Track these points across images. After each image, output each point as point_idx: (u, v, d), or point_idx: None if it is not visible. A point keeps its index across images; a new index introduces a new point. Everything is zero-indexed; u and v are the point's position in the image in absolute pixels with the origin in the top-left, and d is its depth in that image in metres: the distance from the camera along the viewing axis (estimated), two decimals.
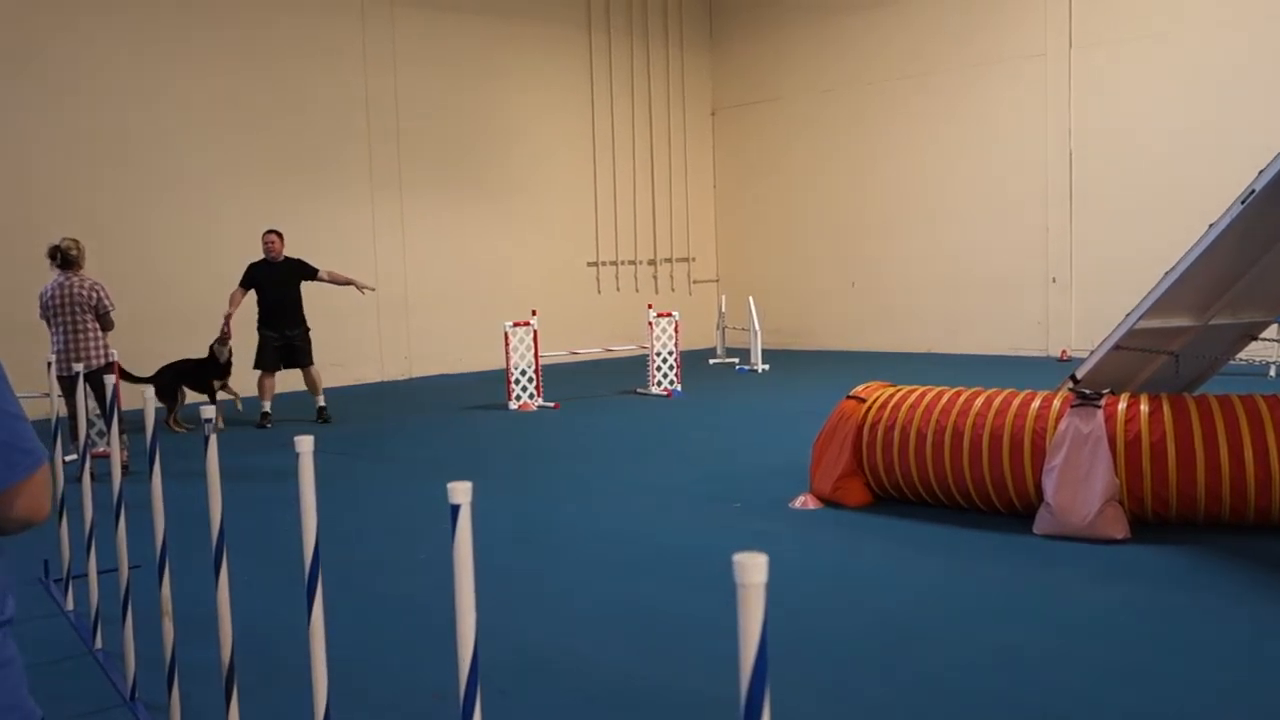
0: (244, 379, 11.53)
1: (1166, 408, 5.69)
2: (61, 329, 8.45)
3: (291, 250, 11.40)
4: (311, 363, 11.26)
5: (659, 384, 12.78)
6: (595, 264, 18.20)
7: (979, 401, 6.21)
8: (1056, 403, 5.96)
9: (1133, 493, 5.68)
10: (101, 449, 8.55)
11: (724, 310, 16.97)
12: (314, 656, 2.62)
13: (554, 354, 13.86)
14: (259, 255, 11.28)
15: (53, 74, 12.53)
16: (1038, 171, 15.48)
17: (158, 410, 11.00)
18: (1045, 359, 15.00)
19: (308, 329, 11.23)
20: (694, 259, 19.63)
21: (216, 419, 10.10)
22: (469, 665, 1.88)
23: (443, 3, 16.03)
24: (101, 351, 8.54)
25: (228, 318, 11.04)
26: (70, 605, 5.13)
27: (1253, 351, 10.14)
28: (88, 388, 8.27)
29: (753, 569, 1.11)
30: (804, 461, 7.14)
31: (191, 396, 11.21)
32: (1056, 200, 15.32)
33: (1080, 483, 5.67)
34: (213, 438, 3.11)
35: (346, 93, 15.01)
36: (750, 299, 15.69)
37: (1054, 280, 15.42)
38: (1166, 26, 14.11)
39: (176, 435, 10.47)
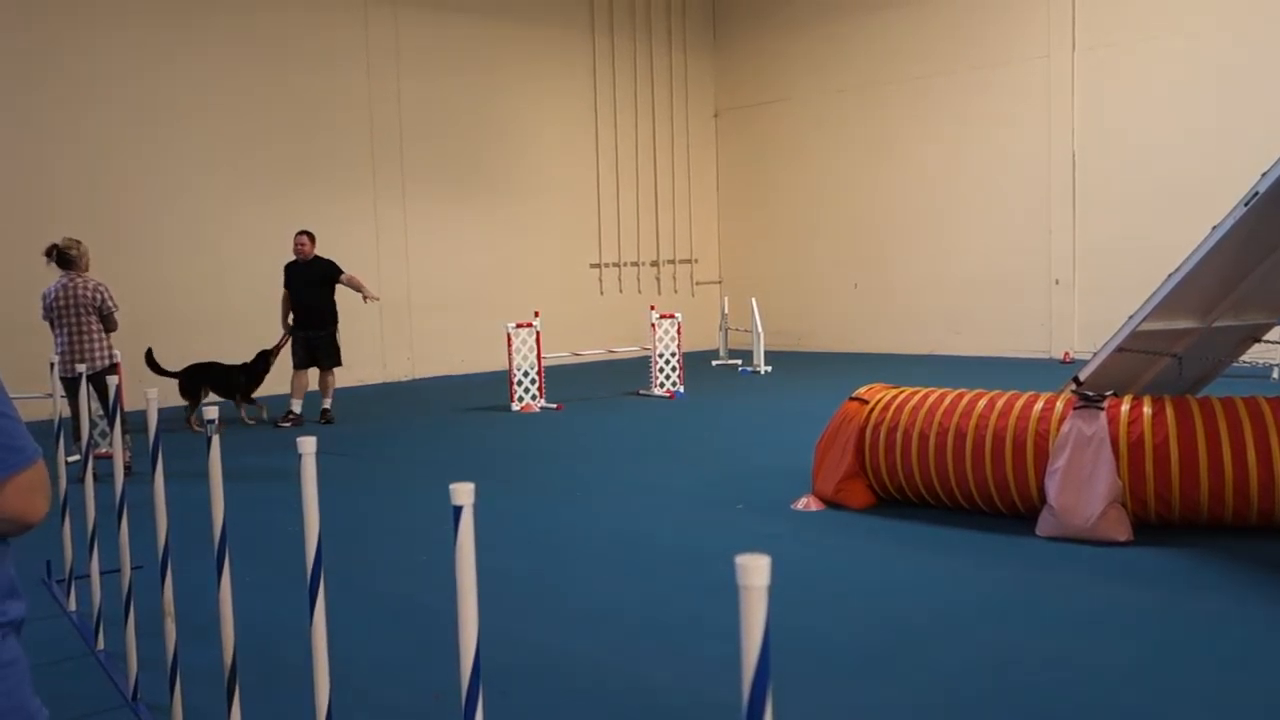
0: (272, 384, 11.66)
1: (1169, 410, 5.69)
2: (65, 330, 8.46)
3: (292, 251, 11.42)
4: (329, 366, 11.28)
5: (661, 385, 12.78)
6: (598, 265, 18.20)
7: (982, 403, 6.20)
8: (1059, 404, 5.95)
9: (1135, 495, 5.67)
10: (104, 450, 8.55)
11: (726, 312, 16.96)
12: (316, 657, 2.62)
13: (557, 355, 13.86)
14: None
15: (63, 81, 12.56)
16: (1041, 173, 15.47)
17: (174, 410, 10.99)
18: (1048, 361, 14.98)
19: (332, 332, 11.27)
20: (697, 260, 19.63)
21: (259, 412, 9.74)
22: (470, 666, 1.88)
23: (446, 6, 16.04)
24: (105, 353, 8.55)
25: (284, 324, 11.33)
26: (72, 606, 5.13)
27: (1256, 353, 10.12)
28: (90, 389, 8.27)
29: (755, 571, 1.11)
30: (806, 463, 7.14)
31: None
32: (1060, 202, 15.31)
33: (1083, 485, 5.66)
34: (215, 439, 3.11)
35: (350, 96, 15.02)
36: (753, 300, 15.69)
37: (1057, 282, 15.41)
38: (1169, 28, 14.10)
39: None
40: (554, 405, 11.98)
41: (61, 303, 8.45)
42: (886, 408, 6.58)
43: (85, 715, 3.92)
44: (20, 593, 1.93)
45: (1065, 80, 15.12)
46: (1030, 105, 15.50)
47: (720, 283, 19.78)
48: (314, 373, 11.36)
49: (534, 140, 17.21)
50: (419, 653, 4.41)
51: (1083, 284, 15.12)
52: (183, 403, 10.96)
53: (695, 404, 12.04)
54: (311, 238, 11.33)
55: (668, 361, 12.83)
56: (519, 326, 12.10)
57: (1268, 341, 7.91)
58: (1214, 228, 5.78)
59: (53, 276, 8.76)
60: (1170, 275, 6.05)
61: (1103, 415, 5.71)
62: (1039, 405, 6.01)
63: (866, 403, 6.72)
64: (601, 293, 18.20)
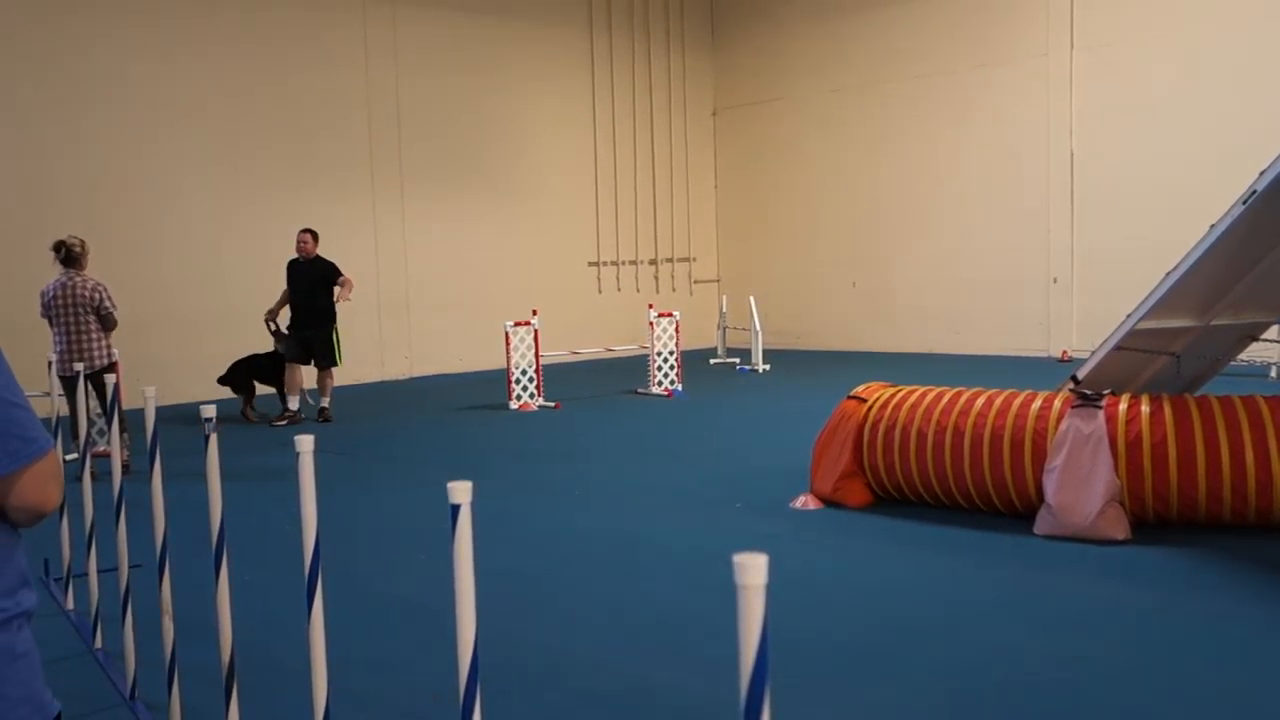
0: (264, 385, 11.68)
1: (1167, 408, 5.69)
2: (63, 329, 8.45)
3: (293, 249, 11.39)
4: (325, 366, 11.22)
5: (660, 384, 12.78)
6: (596, 264, 18.20)
7: (980, 402, 6.20)
8: (1057, 403, 5.96)
9: (1134, 493, 5.67)
10: (102, 448, 8.55)
11: (725, 310, 16.96)
12: (314, 656, 2.62)
13: (555, 354, 13.86)
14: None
15: (62, 80, 12.54)
16: (1039, 172, 15.47)
17: (171, 408, 11.00)
18: (1046, 359, 14.99)
19: (329, 331, 11.17)
20: (695, 259, 19.63)
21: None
22: (469, 666, 1.88)
23: (445, 5, 16.03)
24: (103, 351, 8.54)
25: (268, 316, 11.23)
26: (70, 604, 5.13)
27: (1254, 352, 10.14)
28: (89, 387, 8.27)
29: (753, 570, 1.11)
30: (805, 462, 7.14)
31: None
32: (1058, 200, 15.32)
33: (1081, 483, 5.67)
34: (213, 437, 3.11)
35: (348, 94, 15.01)
36: (751, 299, 15.69)
37: (1055, 280, 15.41)
38: (1168, 27, 14.10)
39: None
40: (552, 404, 11.98)
41: (60, 301, 8.44)
42: (885, 406, 6.58)
43: (84, 714, 3.92)
44: (32, 583, 1.95)
45: (1064, 79, 15.12)
46: (1029, 104, 15.50)
47: (718, 281, 19.78)
48: (310, 371, 11.34)
49: (532, 139, 17.20)
50: (417, 652, 4.41)
51: (1081, 283, 15.13)
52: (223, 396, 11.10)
53: (693, 403, 12.04)
54: (315, 236, 11.27)
55: (666, 360, 12.83)
56: (517, 325, 12.10)
57: (1265, 340, 7.92)
58: (1212, 226, 5.78)
59: (51, 274, 8.73)
60: (1168, 274, 6.05)
61: (1101, 414, 5.72)
62: (1037, 404, 6.02)
63: (865, 401, 6.72)
64: (600, 291, 18.20)
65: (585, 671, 4.17)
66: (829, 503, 6.68)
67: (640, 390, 13.00)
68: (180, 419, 10.92)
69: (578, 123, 17.87)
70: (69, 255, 8.52)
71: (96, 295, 8.45)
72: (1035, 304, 15.60)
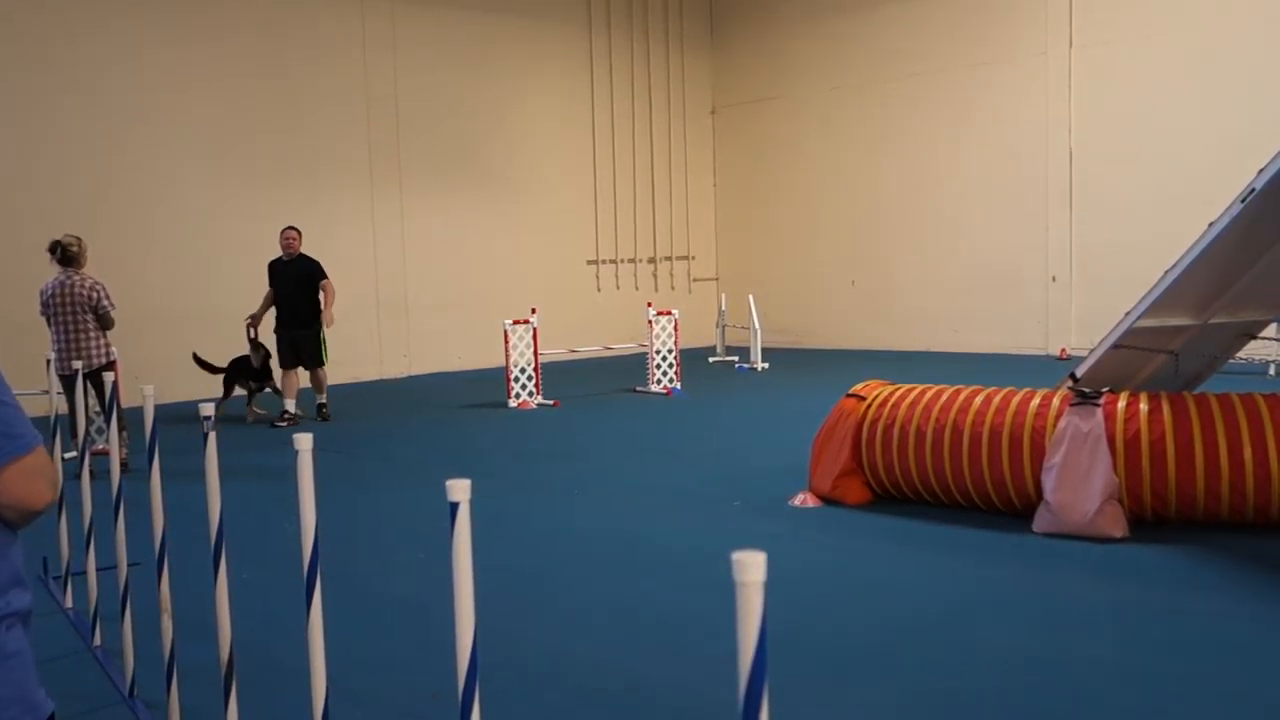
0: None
1: (1166, 406, 5.69)
2: (61, 327, 8.45)
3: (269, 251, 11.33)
4: (318, 365, 11.09)
5: (659, 382, 12.78)
6: (595, 262, 18.20)
7: (978, 400, 6.21)
8: (1056, 401, 5.96)
9: (1132, 491, 5.68)
10: (101, 446, 8.54)
11: (724, 308, 16.97)
12: (312, 655, 2.61)
13: (553, 352, 13.85)
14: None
15: (56, 73, 12.52)
16: (1038, 170, 15.47)
17: (170, 406, 10.95)
18: (1045, 357, 14.99)
19: (316, 330, 11.01)
20: (694, 257, 19.63)
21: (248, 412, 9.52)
22: (467, 664, 1.88)
23: (443, 1, 16.02)
24: (101, 350, 8.53)
25: (250, 321, 11.06)
26: (69, 603, 5.13)
27: (1252, 350, 10.15)
28: (88, 385, 8.27)
29: (751, 567, 1.11)
30: (803, 460, 7.14)
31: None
32: (1057, 198, 15.32)
33: (1080, 481, 5.67)
34: (211, 435, 3.11)
35: (346, 91, 15.00)
36: (750, 297, 15.69)
37: (1054, 279, 15.42)
38: (1166, 25, 14.10)
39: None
40: (551, 402, 11.98)
41: (58, 300, 8.43)
42: (883, 404, 6.58)
43: (82, 712, 3.92)
44: (26, 583, 1.94)
45: (1063, 77, 15.11)
46: (1028, 102, 15.50)
47: (717, 280, 19.78)
48: (304, 371, 11.28)
49: (531, 136, 17.20)
50: (416, 651, 4.41)
51: (1079, 281, 15.14)
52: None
53: (692, 401, 12.04)
54: (299, 233, 11.11)
55: (665, 359, 12.83)
56: (516, 323, 12.10)
57: (1264, 338, 7.93)
58: (1210, 224, 5.78)
59: (48, 273, 8.73)
60: (1167, 272, 6.05)
61: (1099, 412, 5.72)
62: (1035, 402, 6.02)
63: (863, 399, 6.72)
64: (599, 289, 18.20)
65: (584, 670, 4.17)
66: (828, 501, 6.69)
67: (639, 389, 13.00)
68: (180, 418, 10.92)
69: (576, 121, 17.87)
70: (66, 255, 8.51)
71: (94, 294, 8.44)
72: (1034, 302, 15.61)
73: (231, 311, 13.46)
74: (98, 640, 4.55)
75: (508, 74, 16.81)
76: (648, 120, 18.81)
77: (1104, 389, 5.94)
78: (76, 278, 8.47)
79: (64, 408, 7.70)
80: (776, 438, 9.16)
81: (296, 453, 2.46)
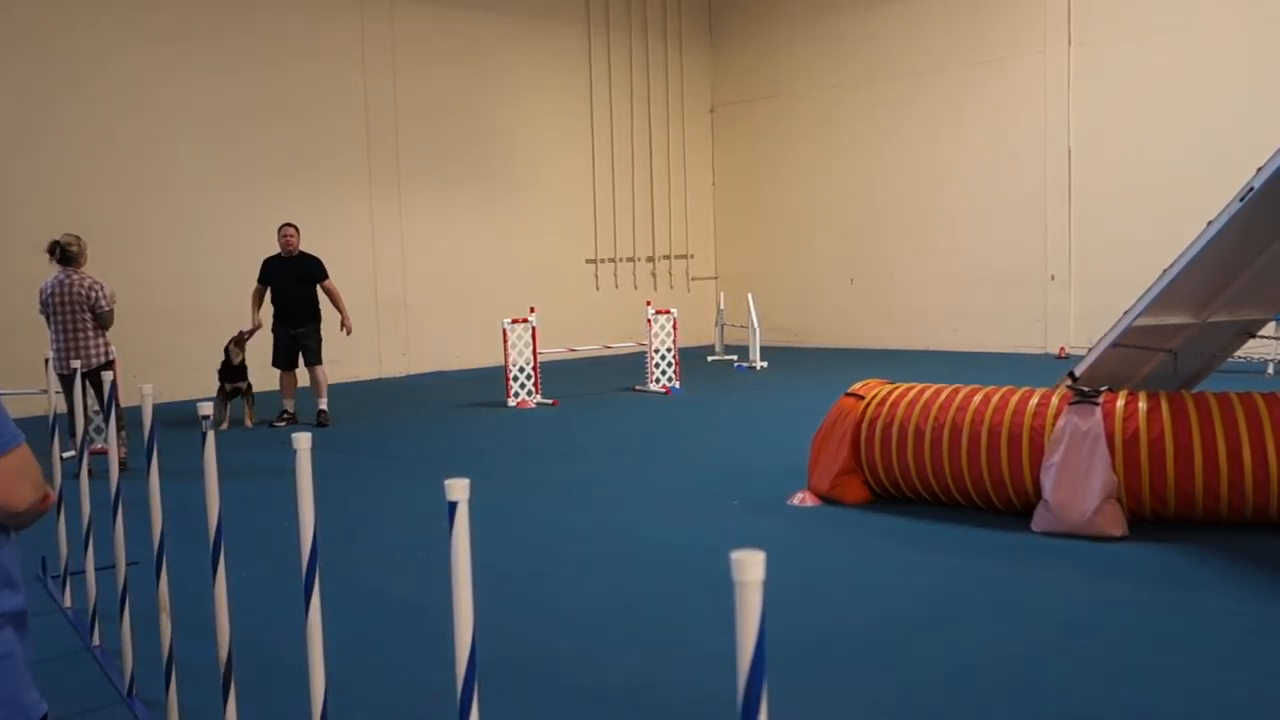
0: (264, 379, 11.49)
1: (1165, 405, 5.69)
2: (59, 327, 8.44)
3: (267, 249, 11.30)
4: (317, 362, 10.95)
5: (657, 381, 12.78)
6: (594, 261, 18.20)
7: (977, 399, 6.21)
8: (1055, 400, 5.96)
9: (1131, 490, 5.68)
10: (100, 445, 8.54)
11: (723, 307, 16.97)
12: (311, 654, 2.61)
13: (552, 351, 13.85)
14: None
15: (51, 69, 12.50)
16: (1037, 169, 15.48)
17: (169, 405, 10.82)
18: (1044, 356, 15.00)
19: (316, 327, 10.92)
20: (692, 256, 19.63)
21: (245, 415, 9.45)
22: (466, 663, 1.88)
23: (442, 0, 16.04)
24: (99, 349, 8.52)
25: (246, 335, 10.84)
26: (68, 602, 5.13)
27: (1251, 349, 10.14)
28: (86, 385, 8.26)
29: (750, 566, 1.11)
30: (802, 459, 7.14)
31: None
32: (1055, 197, 15.32)
33: (1078, 480, 5.67)
34: (210, 435, 3.11)
35: (345, 89, 14.99)
36: (749, 296, 15.69)
37: (1053, 277, 15.42)
38: (1165, 24, 14.11)
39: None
40: (550, 401, 11.98)
41: (56, 299, 8.42)
42: (882, 403, 6.58)
43: (81, 711, 3.92)
44: (18, 585, 1.92)
45: (1061, 76, 15.12)
46: (1026, 101, 15.51)
47: (716, 278, 19.78)
48: (304, 372, 11.21)
49: (530, 135, 17.20)
50: (415, 649, 4.41)
51: (1078, 279, 15.14)
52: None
53: (691, 400, 12.04)
54: (297, 230, 10.99)
55: (664, 357, 12.83)
56: (515, 322, 12.09)
57: (1262, 337, 7.93)
58: (1209, 223, 5.78)
59: (45, 271, 8.71)
60: (1166, 271, 6.05)
61: (1098, 411, 5.72)
62: (1034, 400, 6.02)
63: (862, 398, 6.72)
64: (597, 288, 18.20)
65: (584, 668, 4.17)
66: (826, 500, 6.69)
67: (638, 388, 13.00)
68: (179, 417, 10.92)
69: (575, 120, 17.86)
70: (64, 254, 8.50)
71: (92, 293, 8.43)
72: (1033, 301, 15.62)
73: (229, 311, 13.45)
74: (96, 640, 4.55)
75: (506, 73, 16.81)
76: (646, 119, 18.81)
77: (1103, 388, 5.94)
78: (75, 277, 8.46)
79: (63, 407, 7.70)
80: (775, 437, 9.17)
81: (295, 452, 2.46)
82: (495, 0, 16.60)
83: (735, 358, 15.86)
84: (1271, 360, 11.95)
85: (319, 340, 10.99)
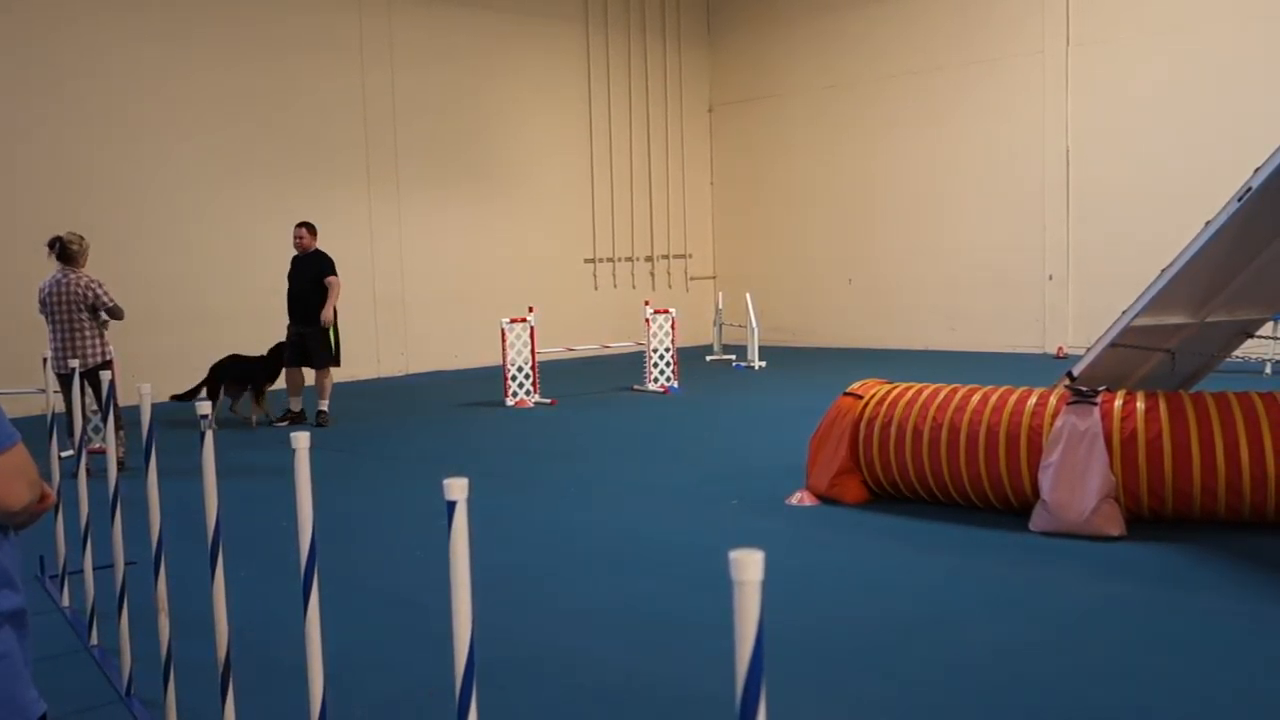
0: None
1: (1163, 405, 5.70)
2: (57, 326, 8.43)
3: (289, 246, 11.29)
4: (319, 366, 10.87)
5: (656, 381, 12.78)
6: (592, 260, 18.20)
7: (976, 398, 6.21)
8: (1053, 400, 5.97)
9: (1129, 490, 5.68)
10: (98, 445, 8.53)
11: (721, 307, 16.97)
12: (310, 653, 2.61)
13: (551, 351, 13.85)
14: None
15: (50, 67, 12.49)
16: (1035, 168, 15.49)
17: (167, 404, 10.78)
18: (1042, 356, 15.01)
19: (324, 328, 10.83)
20: (691, 255, 19.63)
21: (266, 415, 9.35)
22: (465, 662, 1.88)
23: None
24: (97, 349, 8.51)
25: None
26: (66, 601, 5.12)
27: (1249, 348, 10.14)
28: (84, 384, 8.26)
29: (748, 566, 1.11)
30: (801, 458, 7.14)
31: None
32: (1053, 197, 15.33)
33: (1077, 480, 5.67)
34: (208, 434, 3.11)
35: (343, 89, 14.98)
36: (747, 295, 15.70)
37: (1051, 277, 15.43)
38: (1163, 24, 14.12)
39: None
40: (548, 401, 11.97)
41: (54, 299, 8.42)
42: (881, 403, 6.59)
43: (79, 710, 3.91)
44: (17, 585, 1.92)
45: (1059, 75, 15.13)
46: (1025, 100, 15.51)
47: (715, 278, 19.78)
48: (309, 371, 11.17)
49: (529, 134, 17.19)
50: (414, 649, 4.41)
51: (1076, 279, 15.15)
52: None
53: (690, 400, 12.04)
54: (311, 230, 10.98)
55: (662, 357, 12.83)
56: (513, 322, 12.09)
57: (1260, 337, 7.93)
58: (1208, 223, 5.79)
59: (43, 270, 8.70)
60: (1164, 270, 6.05)
61: (1096, 410, 5.73)
62: (1033, 400, 6.02)
63: (861, 398, 6.72)
64: (596, 288, 18.20)
65: (582, 667, 4.18)
66: (825, 499, 6.69)
67: (636, 387, 13.00)
68: (178, 416, 10.90)
69: (574, 118, 17.86)
70: (64, 251, 8.48)
71: (90, 292, 8.41)
72: (1031, 300, 15.62)
73: (228, 310, 13.48)
74: (95, 639, 4.54)
75: (505, 72, 16.80)
76: (645, 118, 18.81)
77: (1101, 387, 5.94)
78: (73, 276, 8.44)
79: (61, 407, 7.70)
80: (774, 436, 9.17)
81: (294, 451, 2.46)
82: (493, 0, 16.60)
83: (734, 357, 15.86)
84: (1269, 360, 11.96)
85: (325, 341, 10.87)
